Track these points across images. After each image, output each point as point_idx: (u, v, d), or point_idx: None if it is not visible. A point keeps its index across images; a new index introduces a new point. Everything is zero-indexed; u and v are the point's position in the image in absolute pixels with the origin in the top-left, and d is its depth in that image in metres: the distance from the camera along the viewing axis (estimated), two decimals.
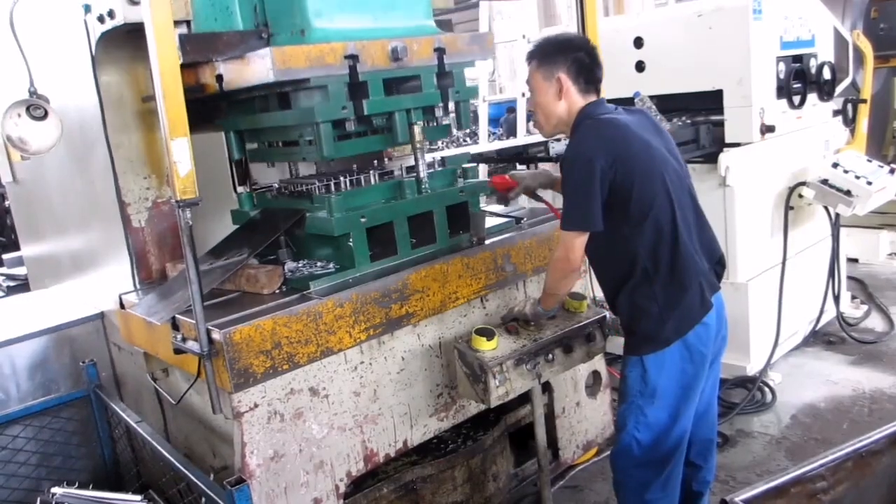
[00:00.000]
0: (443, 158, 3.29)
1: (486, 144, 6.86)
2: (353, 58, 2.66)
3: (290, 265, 2.88)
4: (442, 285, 2.87)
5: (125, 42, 2.82)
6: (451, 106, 3.06)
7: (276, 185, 3.24)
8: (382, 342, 2.77)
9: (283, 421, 2.53)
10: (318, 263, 2.88)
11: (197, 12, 2.76)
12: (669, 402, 2.58)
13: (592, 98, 2.66)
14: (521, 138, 6.39)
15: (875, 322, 5.49)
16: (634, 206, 2.48)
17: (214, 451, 2.87)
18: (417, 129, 3.01)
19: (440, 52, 2.89)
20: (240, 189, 3.23)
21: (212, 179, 3.09)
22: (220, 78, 2.79)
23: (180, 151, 2.31)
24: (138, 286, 3.11)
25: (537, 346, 2.76)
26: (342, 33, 2.73)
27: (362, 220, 2.77)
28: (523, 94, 6.88)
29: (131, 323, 3.00)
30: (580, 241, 2.51)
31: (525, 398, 3.03)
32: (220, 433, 2.74)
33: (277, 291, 2.73)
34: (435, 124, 3.07)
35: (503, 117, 12.50)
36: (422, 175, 2.98)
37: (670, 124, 4.22)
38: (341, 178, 2.95)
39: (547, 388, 3.33)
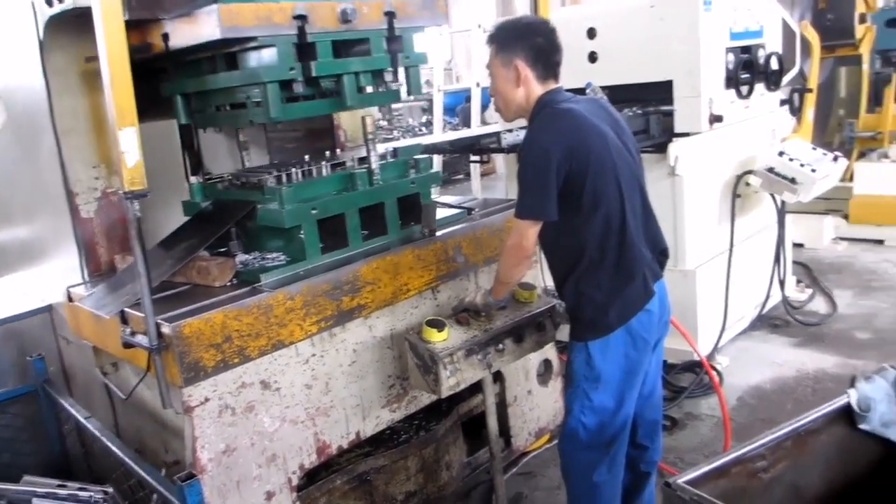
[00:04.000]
0: (395, 149, 3.30)
1: (440, 135, 6.88)
2: (302, 18, 2.63)
3: (241, 257, 2.88)
4: (393, 277, 2.89)
5: (74, 26, 2.76)
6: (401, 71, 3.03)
7: (229, 176, 3.22)
8: (334, 334, 2.78)
9: (235, 415, 2.53)
10: (270, 256, 2.87)
11: None
12: (614, 387, 2.64)
13: (551, 85, 2.68)
14: (475, 129, 6.41)
15: (819, 305, 5.66)
16: (586, 198, 2.52)
17: (166, 445, 2.86)
18: (369, 121, 3.01)
19: (390, 15, 2.86)
20: (192, 179, 3.20)
21: (164, 169, 3.05)
22: (166, 37, 2.73)
23: (128, 141, 2.27)
24: (87, 278, 3.07)
25: (488, 336, 2.79)
26: None
27: (313, 211, 2.77)
28: (478, 84, 6.90)
29: (80, 316, 2.97)
30: (534, 229, 2.56)
31: (477, 387, 3.06)
32: (172, 428, 2.73)
33: (229, 284, 2.72)
34: (384, 89, 3.04)
35: (460, 106, 12.48)
36: (373, 166, 2.98)
37: (622, 114, 4.27)
38: (293, 170, 2.94)
39: (498, 377, 3.37)
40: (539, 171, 2.49)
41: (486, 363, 2.78)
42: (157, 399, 2.49)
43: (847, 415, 2.26)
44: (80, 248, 3.06)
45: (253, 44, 2.64)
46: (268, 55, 2.69)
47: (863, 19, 7.37)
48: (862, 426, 2.26)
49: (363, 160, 3.08)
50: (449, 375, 2.67)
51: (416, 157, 3.23)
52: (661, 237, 2.79)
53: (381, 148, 3.27)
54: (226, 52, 2.75)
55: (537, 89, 2.66)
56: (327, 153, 3.24)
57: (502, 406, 3.43)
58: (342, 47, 2.85)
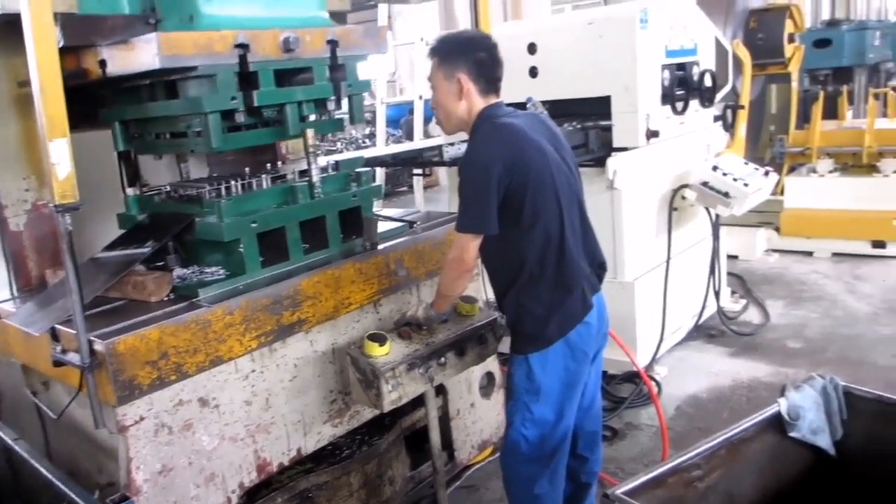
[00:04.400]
0: (337, 162, 3.28)
1: (383, 148, 6.88)
2: (244, 46, 2.60)
3: (179, 272, 2.82)
4: (334, 291, 2.87)
5: (3, 33, 2.68)
6: (344, 100, 3.03)
7: (166, 189, 3.16)
8: (274, 350, 2.74)
9: (172, 433, 2.47)
10: (209, 270, 2.82)
11: (82, 2, 2.64)
12: (554, 399, 2.67)
13: (493, 99, 2.70)
14: (418, 142, 6.43)
15: (752, 315, 5.82)
16: (526, 213, 2.55)
17: (100, 467, 2.77)
18: (310, 134, 2.99)
19: (333, 44, 2.85)
20: (129, 191, 3.12)
21: (99, 180, 2.96)
22: (103, 64, 2.67)
23: (59, 153, 2.20)
24: (16, 294, 2.97)
25: (430, 349, 2.79)
26: (233, 21, 2.68)
27: (253, 225, 2.74)
28: (420, 97, 6.93)
29: (8, 333, 2.85)
30: (474, 243, 2.58)
31: (420, 401, 3.05)
32: (106, 448, 2.64)
33: (166, 299, 2.66)
34: (327, 118, 3.04)
35: (404, 118, 12.49)
36: (314, 179, 2.96)
37: (561, 129, 4.34)
38: (232, 182, 2.89)
39: (441, 390, 3.37)
40: (479, 185, 2.51)
41: (428, 377, 2.78)
42: (90, 419, 2.41)
43: (778, 423, 2.34)
44: (8, 262, 2.96)
45: (194, 73, 2.60)
46: (208, 84, 2.66)
47: (791, 39, 7.67)
48: (792, 434, 2.33)
49: (304, 173, 3.05)
50: (391, 390, 2.66)
51: (357, 170, 3.22)
52: (599, 251, 2.84)
53: (323, 161, 3.26)
54: (166, 79, 2.71)
55: (479, 103, 2.68)
56: (268, 166, 3.21)
57: (445, 419, 3.43)
58: (285, 76, 2.83)
